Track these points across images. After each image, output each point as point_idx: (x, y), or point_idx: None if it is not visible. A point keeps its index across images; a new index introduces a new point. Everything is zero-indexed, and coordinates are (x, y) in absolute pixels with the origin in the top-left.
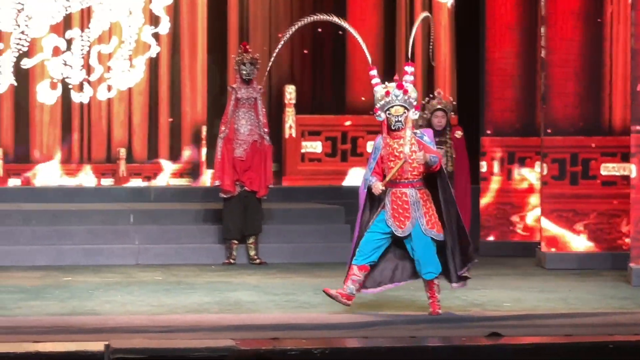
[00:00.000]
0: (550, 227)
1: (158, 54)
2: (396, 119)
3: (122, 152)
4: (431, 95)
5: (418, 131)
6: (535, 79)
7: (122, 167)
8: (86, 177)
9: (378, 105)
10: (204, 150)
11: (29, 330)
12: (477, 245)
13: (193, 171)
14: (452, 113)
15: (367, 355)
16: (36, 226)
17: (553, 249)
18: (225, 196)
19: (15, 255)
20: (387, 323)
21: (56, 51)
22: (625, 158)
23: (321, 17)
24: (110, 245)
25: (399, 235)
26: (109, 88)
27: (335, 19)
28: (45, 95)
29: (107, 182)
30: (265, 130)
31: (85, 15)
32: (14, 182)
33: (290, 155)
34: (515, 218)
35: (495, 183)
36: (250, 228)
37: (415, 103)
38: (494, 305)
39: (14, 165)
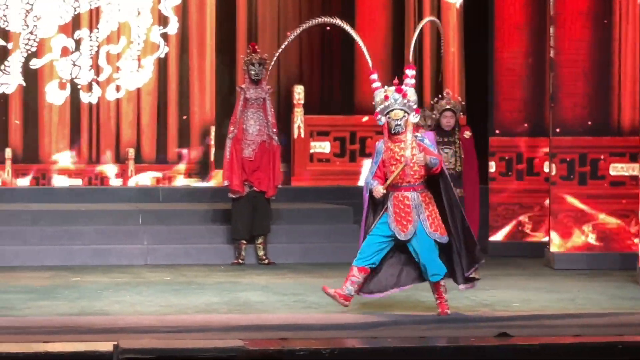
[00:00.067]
0: (559, 228)
1: (167, 54)
2: (396, 123)
3: (131, 152)
4: (440, 96)
5: (419, 134)
6: (544, 79)
7: (131, 167)
8: (95, 177)
9: (378, 109)
10: (212, 151)
11: (38, 331)
12: (484, 246)
13: (202, 171)
14: (461, 113)
15: (376, 356)
16: (45, 226)
17: (561, 249)
18: (234, 196)
19: (24, 255)
20: (395, 323)
21: (65, 51)
22: (634, 158)
23: (325, 20)
24: (119, 245)
25: (401, 239)
26: (118, 88)
27: (338, 22)
28: (54, 95)
29: (116, 182)
30: (274, 130)
31: (94, 16)
32: (22, 182)
33: (299, 156)
34: (523, 218)
35: (503, 183)
36: (259, 228)
37: (415, 106)
38: (503, 306)
39: (23, 166)
